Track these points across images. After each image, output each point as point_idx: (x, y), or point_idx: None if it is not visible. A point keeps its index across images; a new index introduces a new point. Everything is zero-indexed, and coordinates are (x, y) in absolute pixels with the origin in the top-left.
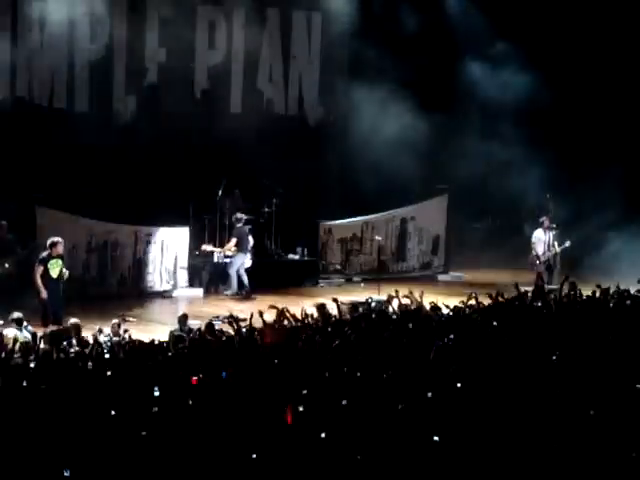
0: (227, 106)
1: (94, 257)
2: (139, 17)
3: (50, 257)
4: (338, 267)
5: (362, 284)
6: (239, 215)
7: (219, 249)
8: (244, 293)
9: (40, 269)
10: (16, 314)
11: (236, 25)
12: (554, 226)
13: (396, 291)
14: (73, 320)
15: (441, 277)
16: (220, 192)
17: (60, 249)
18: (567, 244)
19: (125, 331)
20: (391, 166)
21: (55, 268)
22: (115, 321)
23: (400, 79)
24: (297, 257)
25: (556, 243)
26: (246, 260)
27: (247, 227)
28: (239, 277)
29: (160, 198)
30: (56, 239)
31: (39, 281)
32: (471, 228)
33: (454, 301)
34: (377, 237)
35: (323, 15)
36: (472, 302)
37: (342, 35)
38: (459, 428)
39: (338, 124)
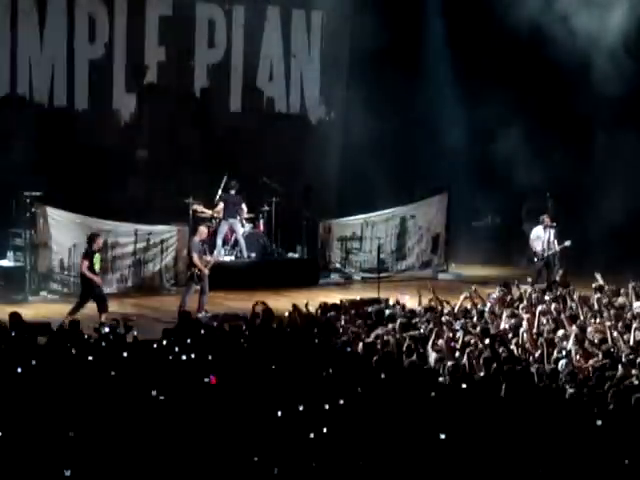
0: (227, 105)
1: None
2: (139, 16)
3: (93, 251)
4: (338, 266)
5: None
6: (232, 183)
7: (208, 211)
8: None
9: (86, 263)
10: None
11: (236, 23)
12: (554, 224)
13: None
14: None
15: (441, 275)
16: (220, 190)
17: (100, 242)
18: (567, 243)
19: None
20: (391, 165)
21: (97, 262)
22: (114, 319)
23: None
24: (297, 256)
25: (556, 241)
26: (236, 227)
27: (238, 196)
28: (233, 240)
29: (160, 197)
30: (95, 232)
31: (89, 273)
32: (471, 226)
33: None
34: (377, 236)
35: (323, 13)
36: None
37: (342, 33)
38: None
39: (339, 122)
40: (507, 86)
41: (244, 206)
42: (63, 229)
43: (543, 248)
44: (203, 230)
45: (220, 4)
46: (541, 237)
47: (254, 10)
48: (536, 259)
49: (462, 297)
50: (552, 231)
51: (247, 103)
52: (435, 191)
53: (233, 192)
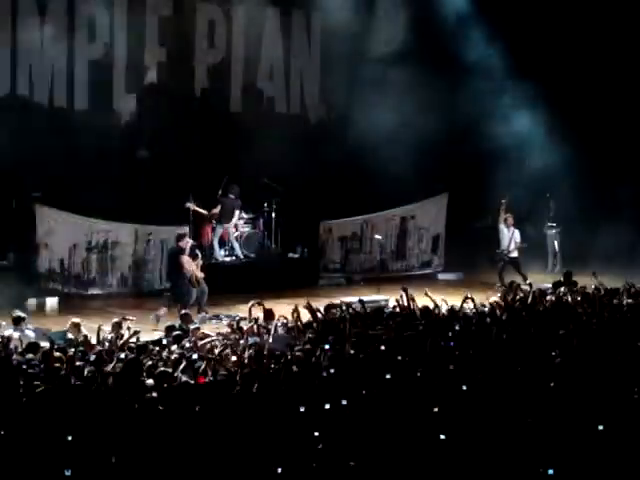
0: (227, 105)
1: (94, 256)
2: (139, 16)
3: (183, 250)
4: (338, 266)
5: (362, 282)
6: (233, 187)
7: (205, 211)
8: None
9: (185, 259)
10: (17, 313)
11: (236, 24)
12: (555, 225)
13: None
14: (73, 319)
15: (441, 276)
16: (220, 191)
17: (186, 242)
18: (520, 244)
19: (128, 328)
20: (392, 165)
21: None
22: (115, 320)
23: (401, 77)
24: (297, 256)
25: (555, 242)
26: (230, 229)
27: (237, 201)
28: (230, 243)
29: (160, 197)
30: (182, 231)
31: (190, 270)
32: (471, 227)
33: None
34: (377, 236)
35: (323, 13)
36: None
37: (342, 32)
38: (462, 430)
39: (339, 122)
40: (507, 85)
41: (237, 212)
42: (63, 229)
43: (504, 248)
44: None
45: (220, 4)
46: (506, 235)
47: (254, 10)
48: (497, 259)
49: (462, 299)
50: (517, 231)
51: (247, 103)
52: (435, 191)
53: (232, 196)
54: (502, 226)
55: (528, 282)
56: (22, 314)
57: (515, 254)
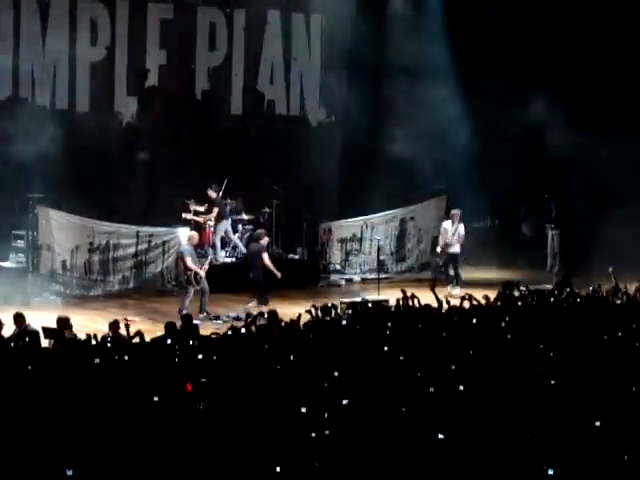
0: (228, 107)
1: (96, 257)
2: (140, 19)
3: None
4: (338, 267)
5: (362, 283)
6: (214, 186)
7: (201, 218)
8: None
9: (266, 255)
10: (62, 315)
11: (236, 27)
12: (555, 225)
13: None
14: (61, 315)
15: (440, 277)
16: (221, 192)
17: (265, 240)
18: (463, 239)
19: (127, 327)
20: (391, 166)
21: None
22: (112, 320)
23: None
24: (297, 257)
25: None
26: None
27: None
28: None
29: (161, 199)
30: (261, 230)
31: (272, 265)
32: (470, 228)
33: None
34: (377, 237)
35: (322, 17)
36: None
37: (342, 35)
38: (461, 428)
39: (339, 124)
40: (507, 84)
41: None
42: (65, 231)
43: (444, 242)
44: (194, 235)
45: (221, 7)
46: (448, 230)
47: (254, 13)
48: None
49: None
50: (461, 226)
51: (248, 105)
52: (434, 193)
53: (217, 195)
54: (448, 221)
55: (452, 285)
56: (66, 316)
57: (456, 249)
